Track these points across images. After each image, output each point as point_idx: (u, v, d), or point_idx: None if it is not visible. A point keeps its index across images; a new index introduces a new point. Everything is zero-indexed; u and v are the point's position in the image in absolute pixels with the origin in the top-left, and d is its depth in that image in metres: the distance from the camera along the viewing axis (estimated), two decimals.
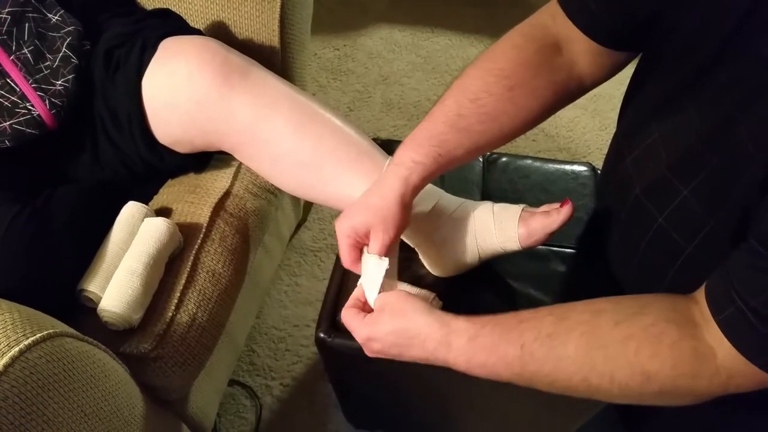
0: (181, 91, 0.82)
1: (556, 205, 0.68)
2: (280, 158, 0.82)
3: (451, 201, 0.75)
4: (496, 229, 0.70)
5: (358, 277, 0.66)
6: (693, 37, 0.54)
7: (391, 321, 0.59)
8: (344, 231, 0.62)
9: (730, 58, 0.50)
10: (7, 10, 0.82)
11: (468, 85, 0.64)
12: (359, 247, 0.64)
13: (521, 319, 0.56)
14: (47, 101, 0.82)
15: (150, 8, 1.02)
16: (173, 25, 0.91)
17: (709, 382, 0.49)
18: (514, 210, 0.70)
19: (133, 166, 0.89)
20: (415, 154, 0.62)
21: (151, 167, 0.90)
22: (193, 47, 0.84)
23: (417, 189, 0.63)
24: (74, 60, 0.84)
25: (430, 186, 0.74)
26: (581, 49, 0.65)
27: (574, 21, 0.63)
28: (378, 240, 0.61)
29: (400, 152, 0.64)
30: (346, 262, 0.64)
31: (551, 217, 0.66)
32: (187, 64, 0.82)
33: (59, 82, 0.83)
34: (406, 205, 0.62)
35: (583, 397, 0.56)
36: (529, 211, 0.69)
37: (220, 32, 1.01)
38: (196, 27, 0.96)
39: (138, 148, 0.87)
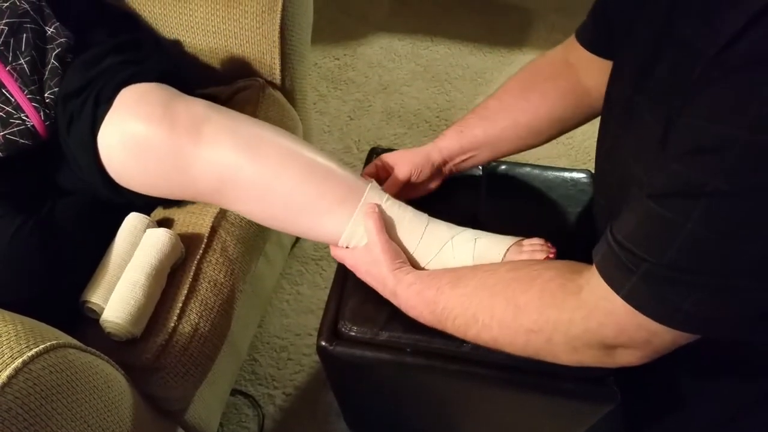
0: (138, 154, 0.76)
1: (539, 246, 0.69)
2: (258, 211, 0.78)
3: (437, 237, 0.74)
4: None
5: (358, 283, 0.75)
6: (638, 37, 0.59)
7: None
8: (377, 159, 0.84)
9: (665, 49, 0.54)
10: (4, 21, 0.82)
11: (495, 91, 0.83)
12: (376, 172, 0.83)
13: (449, 270, 0.69)
14: (42, 112, 0.82)
15: (152, 16, 1.03)
16: (134, 68, 0.83)
17: (571, 314, 0.54)
18: (494, 258, 0.70)
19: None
20: (447, 130, 0.83)
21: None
22: (147, 105, 0.76)
23: (443, 155, 0.82)
24: (60, 71, 0.84)
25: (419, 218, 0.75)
26: (585, 64, 0.77)
27: (576, 36, 0.77)
28: (393, 177, 0.81)
29: None
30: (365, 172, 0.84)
31: None
32: (138, 124, 0.75)
33: (47, 94, 0.83)
34: (430, 162, 0.81)
35: (476, 342, 0.63)
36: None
37: (220, 44, 1.02)
38: (193, 29, 0.96)
39: (103, 193, 0.83)
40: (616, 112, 0.66)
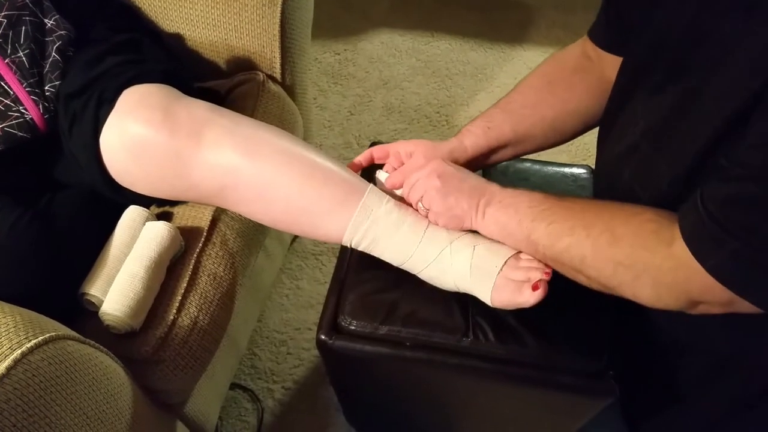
0: (138, 157, 0.76)
1: (535, 263, 0.67)
2: (259, 213, 0.79)
3: (430, 250, 0.72)
4: (471, 282, 0.69)
5: (357, 281, 0.76)
6: (657, 33, 0.59)
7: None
8: (390, 146, 0.80)
9: (697, 40, 0.55)
10: (3, 13, 0.82)
11: (517, 85, 0.82)
12: (372, 161, 0.81)
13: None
14: (41, 105, 0.82)
15: (152, 9, 1.03)
16: (136, 69, 0.83)
17: (661, 262, 0.55)
18: (490, 270, 0.68)
19: None
20: (470, 125, 0.79)
21: None
22: (147, 108, 0.76)
23: (468, 154, 0.78)
24: (61, 65, 0.84)
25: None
26: (604, 59, 0.77)
27: (588, 35, 0.78)
28: (406, 167, 0.76)
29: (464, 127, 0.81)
30: (364, 158, 0.82)
31: (523, 296, 0.65)
32: (139, 127, 0.75)
33: (47, 87, 0.83)
34: (451, 159, 0.76)
35: (557, 258, 0.63)
36: (505, 278, 0.67)
37: (220, 37, 1.02)
38: (195, 25, 0.96)
39: (104, 191, 0.83)
40: (635, 102, 0.66)
